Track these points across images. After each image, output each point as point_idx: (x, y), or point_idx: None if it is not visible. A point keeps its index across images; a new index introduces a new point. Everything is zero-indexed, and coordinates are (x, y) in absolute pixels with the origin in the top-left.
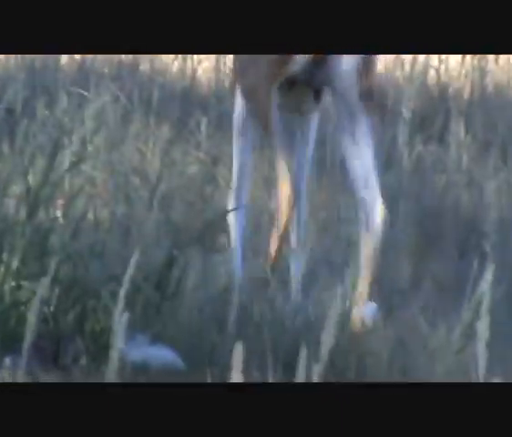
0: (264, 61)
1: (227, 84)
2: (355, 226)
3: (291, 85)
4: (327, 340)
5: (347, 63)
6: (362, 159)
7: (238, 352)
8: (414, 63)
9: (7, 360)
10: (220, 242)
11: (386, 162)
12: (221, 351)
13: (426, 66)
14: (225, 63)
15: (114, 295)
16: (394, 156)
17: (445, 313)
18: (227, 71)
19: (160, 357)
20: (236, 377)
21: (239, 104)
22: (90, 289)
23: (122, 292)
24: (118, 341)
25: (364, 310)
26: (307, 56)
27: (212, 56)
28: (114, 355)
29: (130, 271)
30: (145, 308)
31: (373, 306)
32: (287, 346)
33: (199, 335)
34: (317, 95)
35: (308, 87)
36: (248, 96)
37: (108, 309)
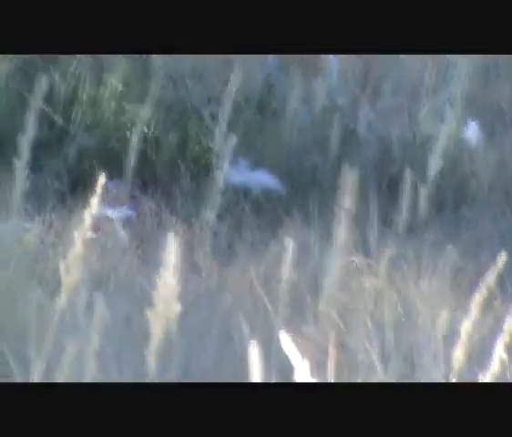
0: None
1: None
2: None
3: None
4: (434, 162)
5: None
6: None
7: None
8: None
9: (111, 185)
10: (321, 64)
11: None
12: (323, 173)
13: None
14: None
15: (214, 117)
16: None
17: None
18: None
19: (261, 181)
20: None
21: None
22: (191, 110)
23: (223, 113)
24: (223, 163)
25: (467, 132)
26: None
27: None
28: (218, 176)
29: (231, 92)
30: (246, 130)
31: (474, 127)
32: (391, 167)
33: (301, 156)
34: None
35: None
36: None
37: (210, 130)
